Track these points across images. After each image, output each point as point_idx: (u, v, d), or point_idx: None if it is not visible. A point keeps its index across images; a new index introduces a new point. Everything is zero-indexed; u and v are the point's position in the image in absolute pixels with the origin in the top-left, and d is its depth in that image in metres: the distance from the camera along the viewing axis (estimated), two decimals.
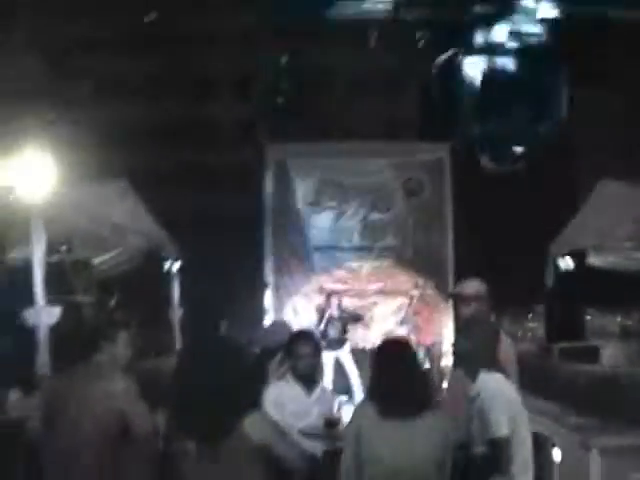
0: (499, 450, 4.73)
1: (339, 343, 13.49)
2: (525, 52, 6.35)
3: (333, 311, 13.56)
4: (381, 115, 37.62)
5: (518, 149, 6.60)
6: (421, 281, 16.67)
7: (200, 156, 37.92)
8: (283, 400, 5.57)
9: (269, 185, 17.04)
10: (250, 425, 4.60)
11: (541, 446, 5.27)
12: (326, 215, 16.99)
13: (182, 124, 38.20)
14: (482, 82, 6.35)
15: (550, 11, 6.29)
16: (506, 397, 4.92)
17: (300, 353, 6.00)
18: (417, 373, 4.90)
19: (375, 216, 17.05)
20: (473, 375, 5.05)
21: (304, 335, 6.54)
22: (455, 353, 5.65)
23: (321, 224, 16.98)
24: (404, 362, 4.80)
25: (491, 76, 6.38)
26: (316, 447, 5.22)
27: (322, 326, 13.36)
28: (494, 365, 5.11)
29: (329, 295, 14.31)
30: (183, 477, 4.55)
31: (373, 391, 4.76)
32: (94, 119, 32.07)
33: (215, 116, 40.42)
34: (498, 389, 4.93)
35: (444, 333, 15.35)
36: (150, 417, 5.15)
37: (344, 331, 13.66)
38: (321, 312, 13.61)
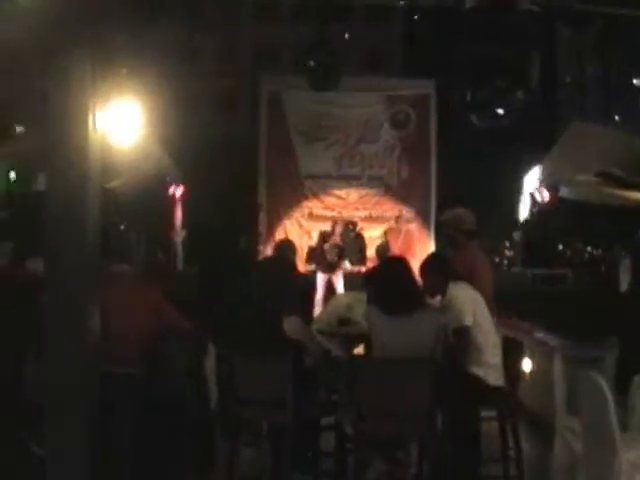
0: (462, 336, 5.80)
1: (333, 267, 13.98)
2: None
3: (336, 238, 14.21)
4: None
5: (500, 111, 7.64)
6: (405, 209, 17.74)
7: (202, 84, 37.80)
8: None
9: (264, 114, 17.93)
10: (288, 324, 5.69)
11: (513, 350, 6.33)
12: (317, 144, 17.70)
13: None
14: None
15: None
16: (469, 296, 5.97)
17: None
18: (411, 280, 5.93)
19: (363, 146, 17.91)
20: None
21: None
22: None
23: (312, 152, 17.70)
24: (401, 272, 5.88)
25: None
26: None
27: (324, 250, 14.00)
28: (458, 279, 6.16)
29: (335, 222, 14.79)
30: (234, 367, 5.68)
31: (379, 295, 5.85)
32: None
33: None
34: (462, 291, 5.98)
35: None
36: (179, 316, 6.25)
37: (340, 257, 14.14)
38: (325, 237, 14.25)
